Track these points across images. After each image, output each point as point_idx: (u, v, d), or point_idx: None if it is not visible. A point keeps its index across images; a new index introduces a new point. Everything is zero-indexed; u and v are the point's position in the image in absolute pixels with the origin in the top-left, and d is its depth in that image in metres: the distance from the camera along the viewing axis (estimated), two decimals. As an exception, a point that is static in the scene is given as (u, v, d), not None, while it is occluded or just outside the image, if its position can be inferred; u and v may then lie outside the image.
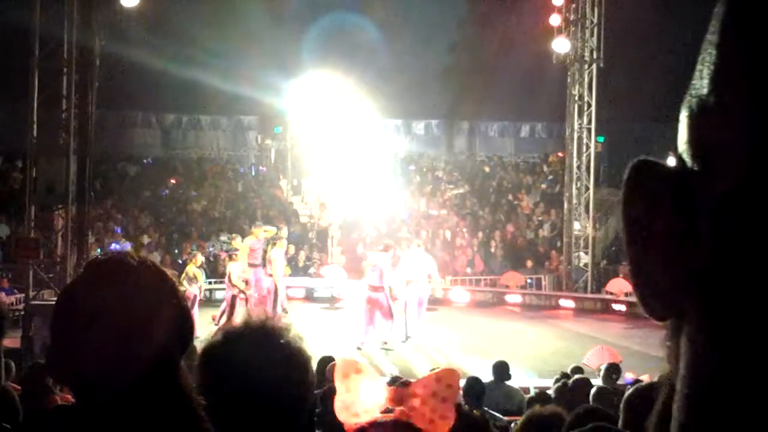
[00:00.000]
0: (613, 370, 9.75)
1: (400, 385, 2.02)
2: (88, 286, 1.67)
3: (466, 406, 6.26)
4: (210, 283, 20.28)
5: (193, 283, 16.00)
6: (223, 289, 17.71)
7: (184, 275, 15.83)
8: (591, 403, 7.30)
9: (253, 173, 31.80)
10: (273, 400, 1.96)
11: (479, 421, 3.76)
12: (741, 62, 0.52)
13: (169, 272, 1.76)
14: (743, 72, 0.52)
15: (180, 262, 21.18)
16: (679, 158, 0.57)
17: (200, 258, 17.43)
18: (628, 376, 9.81)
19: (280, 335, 2.11)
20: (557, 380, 10.28)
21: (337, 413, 1.95)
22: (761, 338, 0.49)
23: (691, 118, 0.56)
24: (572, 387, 8.75)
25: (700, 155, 0.55)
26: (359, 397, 1.94)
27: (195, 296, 15.52)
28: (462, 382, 8.70)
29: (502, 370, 10.19)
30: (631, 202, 0.57)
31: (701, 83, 0.56)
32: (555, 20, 22.15)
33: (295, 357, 2.08)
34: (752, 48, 0.51)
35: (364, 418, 1.91)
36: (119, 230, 24.12)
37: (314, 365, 2.22)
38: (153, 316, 1.63)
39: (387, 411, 1.95)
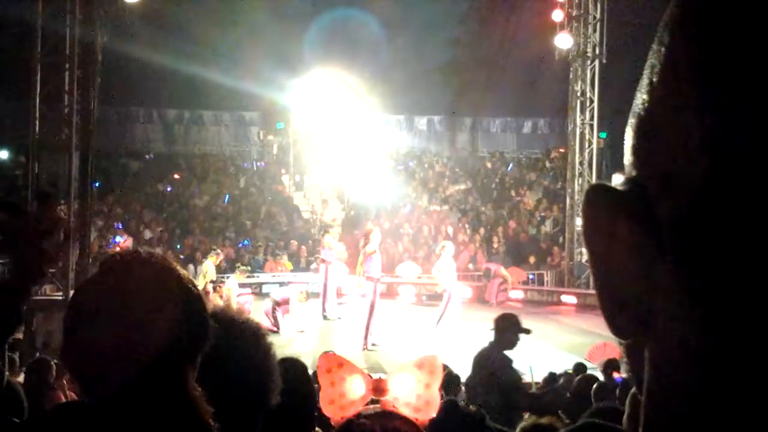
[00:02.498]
0: (612, 366, 9.73)
1: (382, 375, 2.02)
2: (97, 283, 1.71)
3: (464, 401, 6.27)
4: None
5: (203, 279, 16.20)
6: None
7: (198, 271, 16.00)
8: (593, 399, 7.31)
9: (255, 169, 31.81)
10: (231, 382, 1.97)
11: (475, 416, 3.75)
12: (688, 68, 0.52)
13: (184, 273, 1.77)
14: (690, 79, 0.51)
15: (182, 257, 21.21)
16: (630, 177, 0.57)
17: (221, 257, 17.43)
18: (615, 375, 9.76)
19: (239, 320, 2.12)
20: (551, 375, 10.29)
21: (323, 408, 1.94)
22: (735, 347, 0.49)
23: (639, 133, 0.56)
24: (578, 386, 8.72)
25: (653, 171, 0.54)
26: (343, 391, 1.93)
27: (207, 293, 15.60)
28: (463, 378, 8.71)
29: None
30: (591, 222, 0.57)
31: (647, 97, 0.56)
32: (557, 16, 22.13)
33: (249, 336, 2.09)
34: (699, 52, 0.51)
35: (350, 411, 1.90)
36: (120, 226, 24.11)
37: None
38: (155, 315, 1.65)
39: (372, 402, 1.94)
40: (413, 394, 1.92)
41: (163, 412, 1.63)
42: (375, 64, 27.81)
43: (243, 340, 2.06)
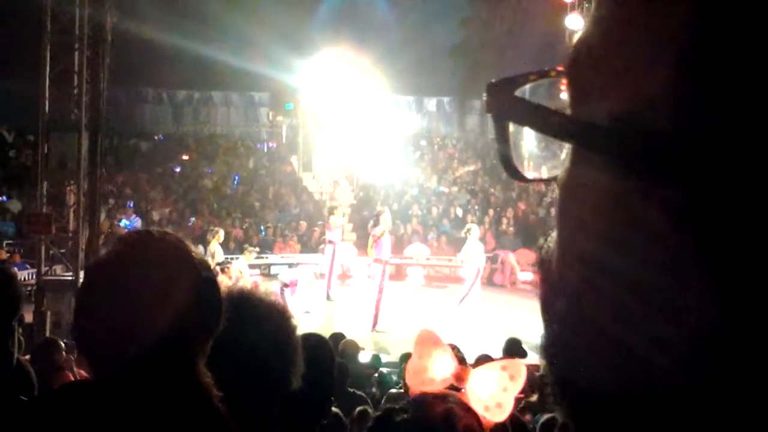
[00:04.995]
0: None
1: (463, 364, 2.03)
2: (109, 261, 1.71)
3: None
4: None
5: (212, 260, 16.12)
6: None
7: (206, 252, 15.89)
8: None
9: (265, 150, 31.81)
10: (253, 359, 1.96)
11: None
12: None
13: (196, 254, 1.76)
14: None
15: (191, 238, 21.23)
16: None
17: (222, 234, 17.37)
18: None
19: (256, 298, 2.10)
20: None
21: (407, 376, 1.99)
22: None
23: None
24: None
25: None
26: (429, 367, 1.95)
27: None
28: (470, 360, 8.71)
29: (515, 347, 10.19)
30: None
31: None
32: (568, -4, 22.00)
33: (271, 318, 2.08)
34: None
35: (428, 388, 1.91)
36: (131, 205, 24.17)
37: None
38: (166, 294, 1.64)
39: (452, 388, 1.95)
40: (488, 393, 1.93)
41: (171, 392, 1.62)
42: (384, 44, 27.72)
43: (269, 322, 2.05)
